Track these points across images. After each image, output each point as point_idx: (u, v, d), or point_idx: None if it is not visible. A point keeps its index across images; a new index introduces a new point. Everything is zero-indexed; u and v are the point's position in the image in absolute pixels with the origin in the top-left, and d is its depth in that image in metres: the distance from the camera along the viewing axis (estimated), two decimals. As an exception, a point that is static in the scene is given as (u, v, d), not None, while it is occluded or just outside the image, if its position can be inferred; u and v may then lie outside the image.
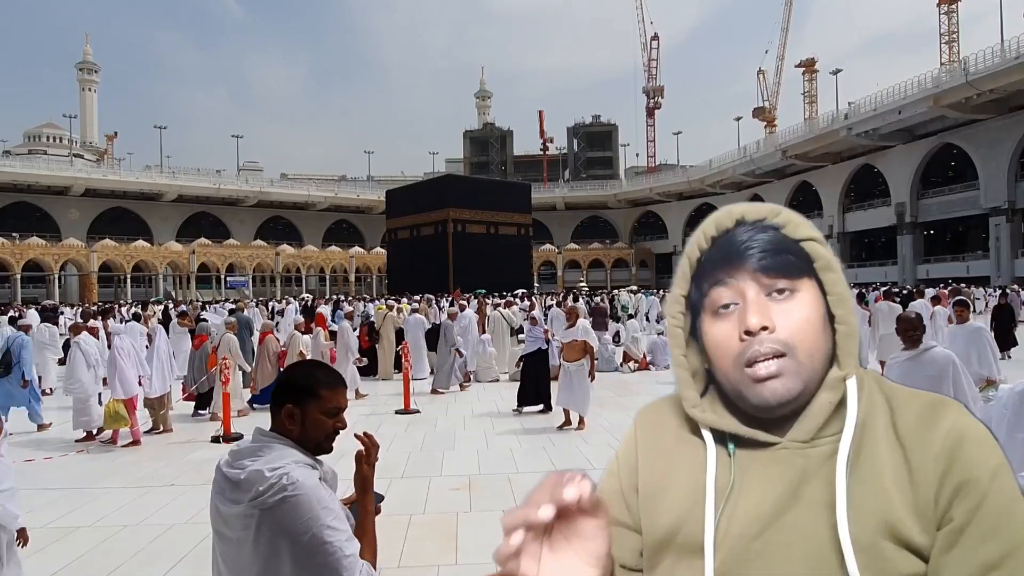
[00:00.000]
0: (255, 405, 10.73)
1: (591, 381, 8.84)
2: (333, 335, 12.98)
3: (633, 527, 0.97)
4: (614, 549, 0.94)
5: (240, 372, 10.57)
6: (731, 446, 0.90)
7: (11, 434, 9.00)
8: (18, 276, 50.92)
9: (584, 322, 9.18)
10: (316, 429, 1.84)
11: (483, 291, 28.01)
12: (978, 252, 45.56)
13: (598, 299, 23.21)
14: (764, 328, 0.83)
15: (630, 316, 20.99)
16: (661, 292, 37.07)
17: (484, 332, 14.71)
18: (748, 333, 0.84)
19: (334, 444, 1.89)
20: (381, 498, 2.57)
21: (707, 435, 0.91)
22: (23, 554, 4.02)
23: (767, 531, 0.83)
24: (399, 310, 15.92)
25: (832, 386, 0.85)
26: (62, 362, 14.21)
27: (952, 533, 0.77)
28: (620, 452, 1.04)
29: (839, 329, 0.86)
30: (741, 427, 0.88)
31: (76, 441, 8.53)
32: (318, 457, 1.86)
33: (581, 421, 8.89)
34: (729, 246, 0.88)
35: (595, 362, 9.05)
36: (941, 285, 28.70)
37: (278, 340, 11.33)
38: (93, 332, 10.01)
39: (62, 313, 26.78)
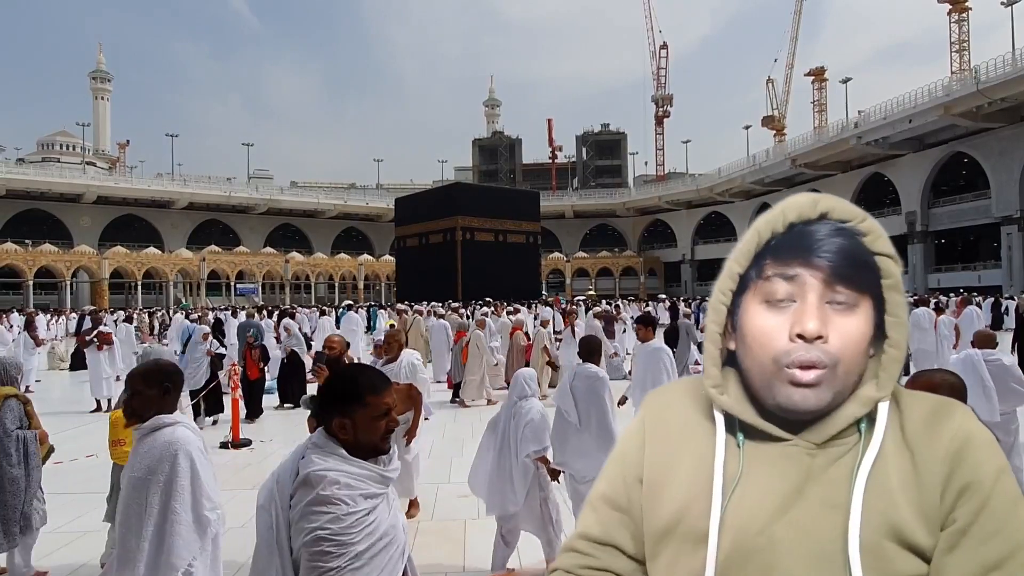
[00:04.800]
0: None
1: (408, 443, 5.41)
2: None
3: (631, 514, 0.98)
4: (615, 534, 0.99)
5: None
6: (740, 436, 0.89)
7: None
8: (30, 282, 51.30)
9: (411, 355, 5.89)
10: (369, 434, 1.88)
11: (550, 296, 28.14)
12: (990, 261, 45.22)
13: (605, 304, 23.16)
14: (819, 337, 0.81)
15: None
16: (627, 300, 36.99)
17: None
18: (801, 336, 0.81)
19: (390, 442, 1.94)
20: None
21: (719, 420, 0.91)
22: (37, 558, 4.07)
23: (771, 526, 0.83)
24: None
25: (863, 403, 0.84)
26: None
27: (955, 534, 0.78)
28: (626, 438, 1.04)
29: (889, 352, 0.85)
30: (757, 418, 0.87)
31: None
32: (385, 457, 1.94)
33: (412, 506, 5.90)
34: (806, 239, 0.85)
35: (421, 416, 5.50)
36: (952, 294, 28.58)
37: (526, 335, 12.13)
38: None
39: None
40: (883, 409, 0.85)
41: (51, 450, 4.69)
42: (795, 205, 0.88)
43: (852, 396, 0.85)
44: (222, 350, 12.17)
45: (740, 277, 0.90)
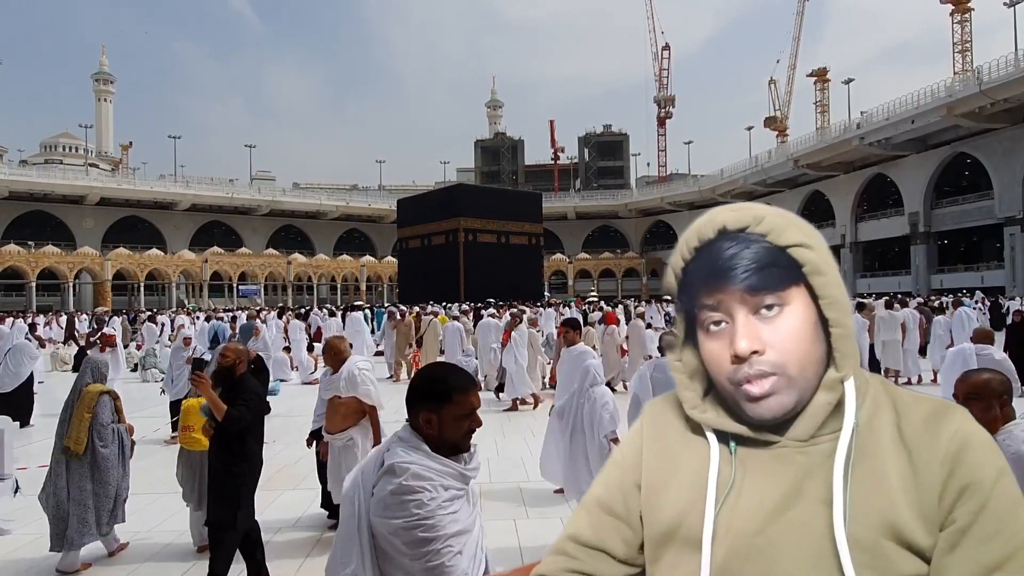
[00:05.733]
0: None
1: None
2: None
3: (627, 520, 1.00)
4: (607, 539, 1.00)
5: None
6: (733, 444, 0.91)
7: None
8: (33, 284, 51.44)
9: (352, 364, 4.92)
10: (452, 431, 1.96)
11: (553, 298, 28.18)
12: (993, 262, 45.13)
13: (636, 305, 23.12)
14: (755, 352, 0.83)
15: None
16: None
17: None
18: (738, 358, 0.83)
19: (471, 441, 2.04)
20: None
21: (710, 432, 0.93)
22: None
23: (769, 527, 0.84)
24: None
25: (830, 387, 0.85)
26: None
27: (955, 534, 0.78)
28: (625, 444, 1.06)
29: (833, 332, 0.85)
30: (739, 427, 0.89)
31: None
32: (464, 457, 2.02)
33: None
34: (712, 262, 0.86)
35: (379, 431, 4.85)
36: (951, 295, 28.54)
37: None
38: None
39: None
40: (849, 388, 0.86)
41: (133, 444, 5.05)
42: (695, 229, 0.89)
43: (820, 384, 0.85)
44: (207, 355, 12.13)
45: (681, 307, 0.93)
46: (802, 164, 54.72)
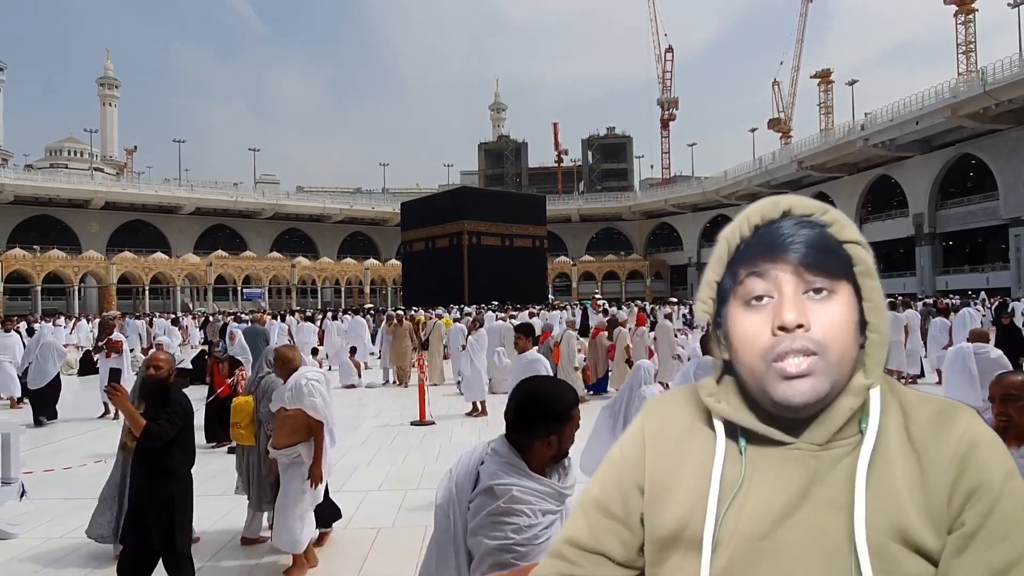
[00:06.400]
0: (590, 393, 12.37)
1: (314, 486, 4.62)
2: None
3: (625, 522, 0.97)
4: (605, 542, 0.97)
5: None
6: (743, 441, 0.88)
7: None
8: (39, 288, 51.57)
9: (300, 375, 4.58)
10: (568, 443, 1.95)
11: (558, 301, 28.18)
12: (998, 263, 44.98)
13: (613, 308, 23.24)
14: (800, 326, 0.81)
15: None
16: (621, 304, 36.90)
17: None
18: (783, 328, 0.81)
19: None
20: None
21: (719, 428, 0.90)
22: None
23: (777, 530, 0.82)
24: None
25: (855, 393, 0.84)
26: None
27: (963, 537, 0.77)
28: (625, 443, 1.02)
29: (871, 337, 0.85)
30: (756, 422, 0.86)
31: None
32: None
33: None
34: (772, 237, 0.85)
35: (323, 453, 4.67)
36: (957, 296, 28.45)
37: (609, 336, 12.96)
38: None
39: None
40: (875, 396, 0.84)
41: None
42: (757, 208, 0.89)
43: (846, 388, 0.84)
44: (186, 364, 12.08)
45: (718, 286, 0.90)
46: (806, 166, 54.66)
